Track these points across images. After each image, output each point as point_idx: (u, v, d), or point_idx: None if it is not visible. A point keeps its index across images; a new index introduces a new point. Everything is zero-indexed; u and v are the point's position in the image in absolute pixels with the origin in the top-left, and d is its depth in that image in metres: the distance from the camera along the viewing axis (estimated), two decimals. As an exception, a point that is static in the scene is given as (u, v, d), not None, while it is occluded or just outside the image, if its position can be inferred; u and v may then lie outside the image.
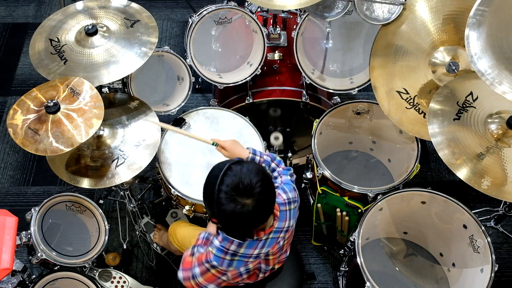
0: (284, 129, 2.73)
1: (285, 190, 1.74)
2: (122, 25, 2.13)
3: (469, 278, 2.14)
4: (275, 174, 1.88)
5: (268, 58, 2.53)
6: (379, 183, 2.46)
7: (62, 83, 1.93)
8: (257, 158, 1.91)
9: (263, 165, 1.91)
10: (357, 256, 1.98)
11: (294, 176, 1.90)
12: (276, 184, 1.77)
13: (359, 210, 2.20)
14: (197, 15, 2.35)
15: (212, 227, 1.73)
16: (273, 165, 1.91)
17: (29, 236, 2.01)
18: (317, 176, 2.28)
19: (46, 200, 2.11)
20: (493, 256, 1.96)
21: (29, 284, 1.99)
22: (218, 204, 1.46)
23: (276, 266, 1.95)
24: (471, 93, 1.92)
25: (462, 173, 1.81)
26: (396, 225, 2.43)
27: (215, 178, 1.47)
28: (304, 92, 2.47)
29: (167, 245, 2.49)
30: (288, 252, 1.95)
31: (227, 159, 1.84)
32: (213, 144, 1.95)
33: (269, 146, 2.61)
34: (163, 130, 2.25)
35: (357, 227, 2.06)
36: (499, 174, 1.82)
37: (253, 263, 1.72)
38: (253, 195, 1.45)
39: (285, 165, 2.62)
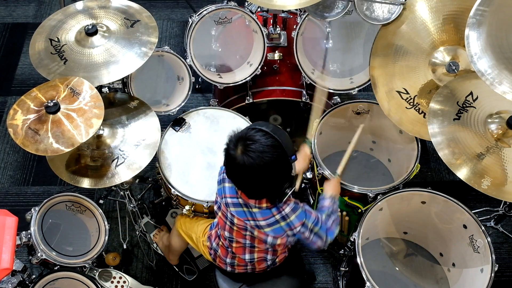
0: (284, 129, 2.73)
1: (295, 211, 1.71)
2: (122, 25, 2.13)
3: (469, 278, 2.14)
4: (329, 217, 1.84)
5: (268, 58, 2.52)
6: (379, 183, 2.45)
7: (62, 83, 1.93)
8: (330, 201, 1.91)
9: (329, 210, 1.87)
10: (357, 256, 1.98)
11: (324, 240, 1.80)
12: (311, 211, 1.76)
13: (359, 210, 2.20)
14: (197, 15, 2.35)
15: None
16: (332, 217, 1.85)
17: (29, 236, 2.01)
18: (317, 176, 2.28)
19: (46, 200, 2.11)
20: (493, 256, 1.96)
21: (29, 284, 1.99)
22: (237, 131, 1.63)
23: (258, 268, 1.96)
24: (471, 93, 1.92)
25: (462, 173, 1.81)
26: (396, 225, 2.43)
27: (262, 125, 1.60)
28: (304, 92, 2.47)
29: (165, 248, 2.49)
30: (267, 260, 1.93)
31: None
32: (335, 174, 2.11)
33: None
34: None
35: (357, 227, 2.06)
36: (499, 174, 1.82)
37: (223, 207, 1.81)
38: (244, 155, 1.54)
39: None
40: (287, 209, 1.70)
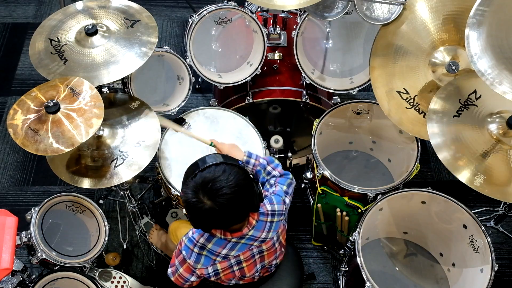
0: (284, 129, 2.73)
1: (272, 201, 1.72)
2: (122, 25, 2.13)
3: (469, 278, 2.14)
4: (272, 181, 1.84)
5: (268, 58, 2.53)
6: (379, 183, 2.45)
7: (62, 83, 1.93)
8: (252, 161, 1.89)
9: (258, 168, 1.89)
10: (357, 256, 1.98)
11: (293, 183, 1.85)
12: (266, 193, 1.76)
13: (359, 210, 2.20)
14: (197, 15, 2.35)
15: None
16: (269, 168, 1.89)
17: (29, 236, 2.01)
18: (317, 176, 2.28)
19: (46, 200, 2.11)
20: (493, 256, 1.96)
21: (29, 284, 1.99)
22: (184, 185, 1.53)
23: (263, 275, 1.94)
24: (475, 91, 1.92)
25: (460, 173, 1.81)
26: (396, 225, 2.43)
27: (201, 165, 1.52)
28: (304, 92, 2.47)
29: (164, 246, 2.48)
30: (276, 261, 1.91)
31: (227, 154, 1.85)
32: (210, 144, 2.02)
33: (269, 148, 2.61)
34: (163, 130, 2.26)
35: (357, 227, 2.06)
36: (498, 174, 1.82)
37: (221, 265, 1.71)
38: (215, 201, 1.46)
39: (285, 166, 2.67)
40: (269, 206, 1.70)
